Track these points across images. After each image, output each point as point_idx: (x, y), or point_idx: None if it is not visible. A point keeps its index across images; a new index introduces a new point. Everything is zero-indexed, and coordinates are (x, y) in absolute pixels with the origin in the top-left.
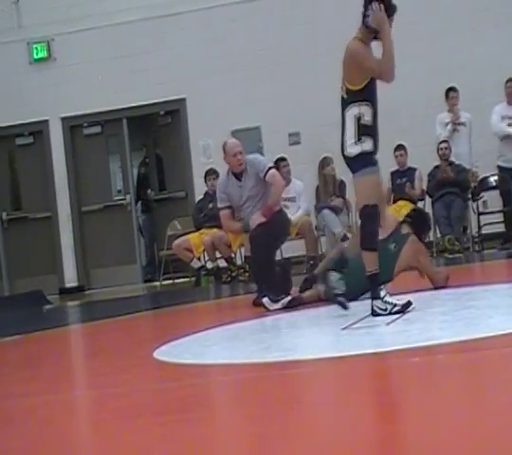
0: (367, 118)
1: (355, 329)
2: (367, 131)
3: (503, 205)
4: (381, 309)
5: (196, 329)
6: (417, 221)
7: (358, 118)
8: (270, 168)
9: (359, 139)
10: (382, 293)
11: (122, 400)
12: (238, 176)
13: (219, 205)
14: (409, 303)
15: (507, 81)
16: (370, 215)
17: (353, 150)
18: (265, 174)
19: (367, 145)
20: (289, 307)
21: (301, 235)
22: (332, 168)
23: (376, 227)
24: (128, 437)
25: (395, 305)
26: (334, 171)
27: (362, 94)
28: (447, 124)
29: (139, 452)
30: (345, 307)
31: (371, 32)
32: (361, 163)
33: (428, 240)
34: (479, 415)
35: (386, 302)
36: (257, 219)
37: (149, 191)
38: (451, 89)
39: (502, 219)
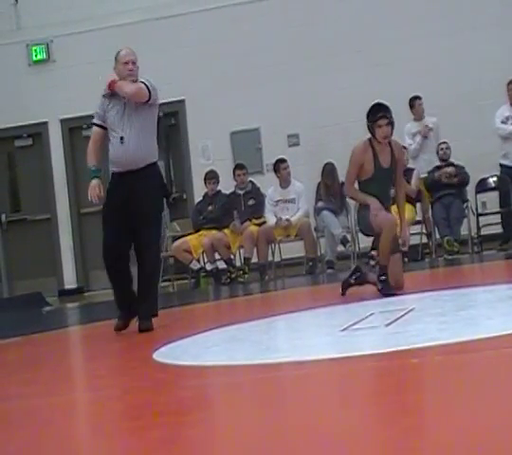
0: None
1: (354, 330)
2: None
3: (501, 206)
4: None
5: (196, 330)
6: None
7: None
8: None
9: None
10: None
11: (122, 402)
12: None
13: (93, 120)
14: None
15: (509, 83)
16: None
17: None
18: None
19: None
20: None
21: (300, 236)
22: (332, 178)
23: None
24: (127, 439)
25: None
26: (335, 178)
27: None
28: (414, 134)
29: (138, 454)
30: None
31: None
32: None
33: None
34: (478, 416)
35: None
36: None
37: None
38: (416, 98)
39: (501, 220)
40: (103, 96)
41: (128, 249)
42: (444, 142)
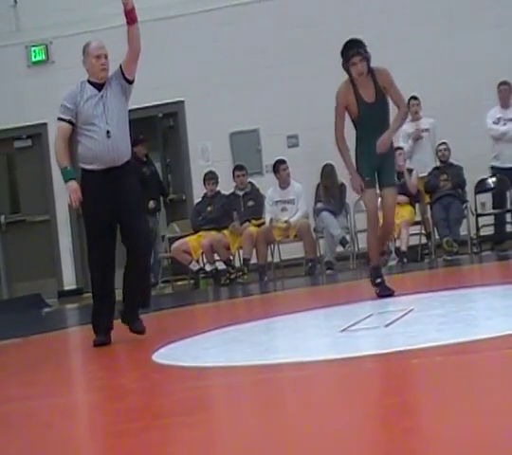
0: None
1: (353, 331)
2: None
3: (494, 207)
4: None
5: (195, 331)
6: None
7: None
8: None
9: None
10: None
11: (121, 403)
12: (97, 86)
13: (61, 115)
14: None
15: (500, 85)
16: None
17: None
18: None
19: None
20: None
21: (299, 237)
22: (331, 180)
23: None
24: (127, 440)
25: None
26: (335, 179)
27: None
28: (409, 135)
29: None
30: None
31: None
32: None
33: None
34: (479, 417)
35: None
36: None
37: (151, 202)
38: (412, 98)
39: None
40: (80, 85)
41: (114, 258)
42: (443, 143)
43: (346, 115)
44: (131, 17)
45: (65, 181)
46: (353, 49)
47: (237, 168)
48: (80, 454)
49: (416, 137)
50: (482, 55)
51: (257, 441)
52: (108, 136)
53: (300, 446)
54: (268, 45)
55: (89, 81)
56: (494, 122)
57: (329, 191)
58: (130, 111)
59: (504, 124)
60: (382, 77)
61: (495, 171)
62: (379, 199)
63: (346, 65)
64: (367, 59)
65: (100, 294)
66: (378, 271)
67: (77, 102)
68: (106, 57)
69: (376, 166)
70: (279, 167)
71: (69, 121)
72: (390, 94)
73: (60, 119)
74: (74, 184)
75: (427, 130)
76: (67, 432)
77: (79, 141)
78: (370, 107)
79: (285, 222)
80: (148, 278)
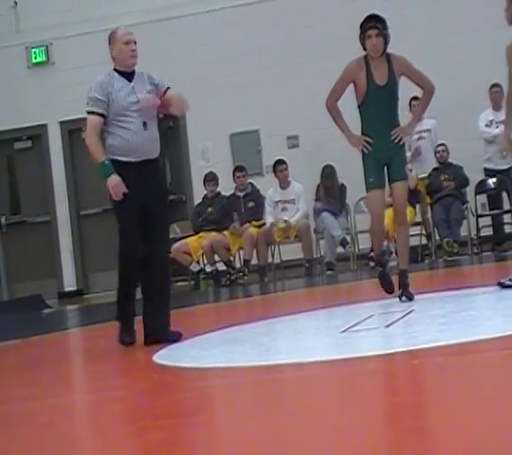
0: None
1: (354, 332)
2: None
3: (490, 208)
4: None
5: (196, 332)
6: None
7: None
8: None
9: None
10: None
11: (122, 404)
12: (126, 76)
13: (92, 108)
14: None
15: (492, 87)
16: None
17: None
18: (166, 91)
19: None
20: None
21: (299, 238)
22: (331, 180)
23: None
24: (128, 441)
25: None
26: (335, 180)
27: None
28: (409, 147)
29: None
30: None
31: None
32: None
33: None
34: (479, 417)
35: None
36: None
37: None
38: (414, 98)
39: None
40: (109, 75)
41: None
42: (441, 144)
43: (348, 100)
44: (166, 103)
45: (106, 176)
46: (370, 22)
47: (237, 169)
48: (79, 454)
49: (415, 154)
50: (481, 56)
51: (258, 441)
52: (145, 128)
53: (301, 447)
54: (269, 46)
55: (117, 71)
56: (486, 125)
57: (329, 192)
58: None
59: (497, 127)
60: (398, 61)
61: (488, 173)
62: (388, 194)
63: (362, 38)
64: (384, 36)
65: (129, 287)
66: (381, 259)
67: (108, 93)
68: (135, 43)
69: (386, 161)
70: (277, 168)
71: (101, 114)
72: (411, 76)
73: (91, 113)
74: (117, 178)
75: (428, 130)
76: (68, 433)
77: (110, 133)
78: (379, 90)
79: (285, 221)
80: (169, 286)
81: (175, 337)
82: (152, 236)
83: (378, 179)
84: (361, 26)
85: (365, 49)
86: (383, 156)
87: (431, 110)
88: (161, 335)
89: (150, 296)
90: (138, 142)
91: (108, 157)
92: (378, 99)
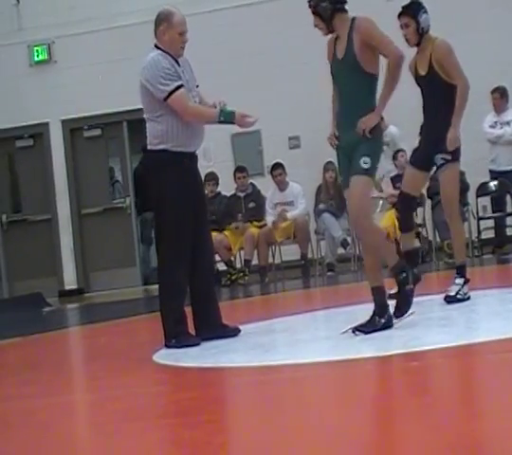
0: None
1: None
2: None
3: (493, 211)
4: None
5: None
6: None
7: None
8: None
9: None
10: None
11: (121, 403)
12: (175, 60)
13: (175, 83)
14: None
15: (493, 92)
16: None
17: None
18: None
19: None
20: None
21: (296, 234)
22: (330, 175)
23: None
24: (127, 440)
25: None
26: (336, 177)
27: None
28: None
29: None
30: None
31: None
32: None
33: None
34: (478, 419)
35: None
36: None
37: None
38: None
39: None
40: (159, 54)
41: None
42: None
43: None
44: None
45: (231, 117)
46: None
47: (238, 170)
48: (78, 453)
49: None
50: (482, 57)
51: (257, 441)
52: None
53: (299, 447)
54: (270, 47)
55: (167, 53)
56: (491, 126)
57: (330, 191)
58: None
59: (501, 128)
60: (359, 26)
61: (492, 174)
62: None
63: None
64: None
65: (183, 290)
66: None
67: (177, 71)
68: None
69: (348, 153)
70: (273, 172)
71: (182, 85)
72: (374, 44)
73: (177, 88)
74: (240, 112)
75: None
76: (66, 432)
77: (165, 118)
78: (338, 65)
79: (285, 220)
80: (214, 285)
81: (236, 333)
82: (200, 237)
83: (346, 178)
84: None
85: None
86: (345, 148)
87: None
88: (221, 332)
89: (200, 297)
90: (194, 132)
91: (159, 148)
92: (337, 74)
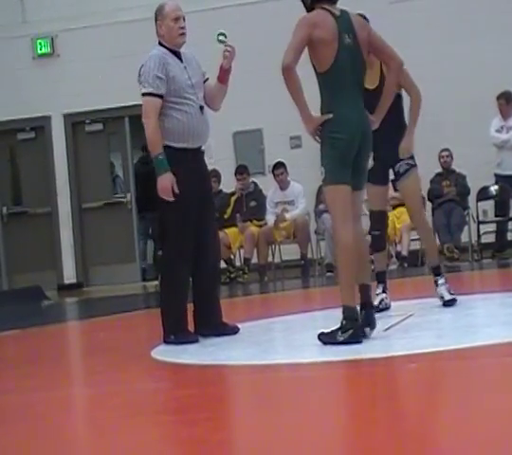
0: None
1: None
2: None
3: (496, 215)
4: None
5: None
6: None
7: None
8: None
9: None
10: None
11: (119, 398)
12: (176, 54)
13: (152, 89)
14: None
15: (498, 98)
16: None
17: None
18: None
19: None
20: None
21: (296, 233)
22: None
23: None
24: (124, 436)
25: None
26: None
27: None
28: None
29: (135, 451)
30: None
31: None
32: None
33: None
34: (475, 422)
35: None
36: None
37: None
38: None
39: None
40: (159, 51)
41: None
42: (445, 150)
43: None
44: (225, 77)
45: (159, 173)
46: None
47: (239, 171)
48: (76, 448)
49: None
50: (487, 61)
51: (254, 439)
52: (202, 113)
53: (296, 445)
54: (273, 45)
55: (166, 48)
56: (497, 130)
57: None
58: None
59: (507, 132)
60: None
61: (498, 178)
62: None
63: None
64: None
65: (185, 289)
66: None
67: (167, 72)
68: (184, 19)
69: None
70: (274, 172)
71: (161, 96)
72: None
73: (149, 95)
74: (168, 179)
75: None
76: (64, 426)
77: (166, 115)
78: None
79: (285, 220)
80: (219, 283)
81: (235, 331)
82: (205, 233)
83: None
84: None
85: None
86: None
87: (435, 115)
88: (221, 329)
89: (203, 295)
90: (196, 127)
91: (163, 143)
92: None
